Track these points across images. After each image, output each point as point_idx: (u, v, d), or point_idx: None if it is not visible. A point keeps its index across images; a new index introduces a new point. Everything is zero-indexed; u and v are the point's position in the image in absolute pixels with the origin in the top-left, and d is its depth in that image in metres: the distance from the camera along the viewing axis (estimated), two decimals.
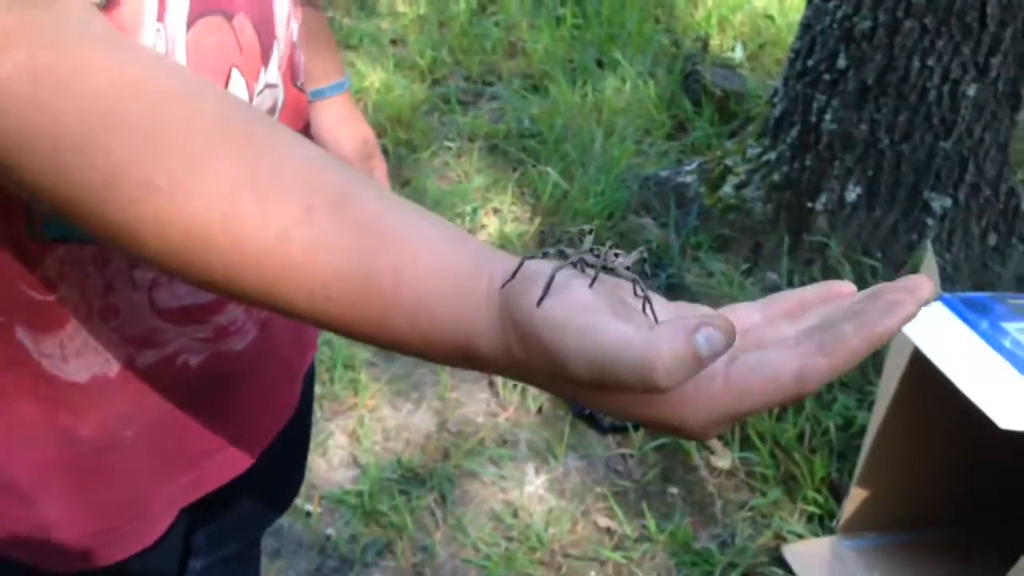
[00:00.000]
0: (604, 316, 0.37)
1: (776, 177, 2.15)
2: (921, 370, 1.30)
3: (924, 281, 0.40)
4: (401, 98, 2.76)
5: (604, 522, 1.63)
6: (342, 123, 0.90)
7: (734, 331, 0.36)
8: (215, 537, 0.74)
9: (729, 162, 2.28)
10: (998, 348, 1.25)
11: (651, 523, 1.59)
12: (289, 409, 0.71)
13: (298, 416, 0.73)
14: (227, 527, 0.75)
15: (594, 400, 0.40)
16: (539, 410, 1.83)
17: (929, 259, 1.46)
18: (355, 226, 0.41)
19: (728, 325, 0.36)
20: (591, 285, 0.40)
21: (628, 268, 0.42)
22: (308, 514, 1.61)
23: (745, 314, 0.44)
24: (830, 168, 2.06)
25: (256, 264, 0.40)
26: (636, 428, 1.77)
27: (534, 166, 2.46)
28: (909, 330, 1.30)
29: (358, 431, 1.77)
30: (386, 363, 1.90)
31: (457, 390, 1.87)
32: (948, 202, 2.02)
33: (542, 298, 0.38)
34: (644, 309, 0.41)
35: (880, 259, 2.01)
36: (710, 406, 0.38)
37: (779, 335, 0.42)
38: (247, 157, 0.40)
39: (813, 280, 2.03)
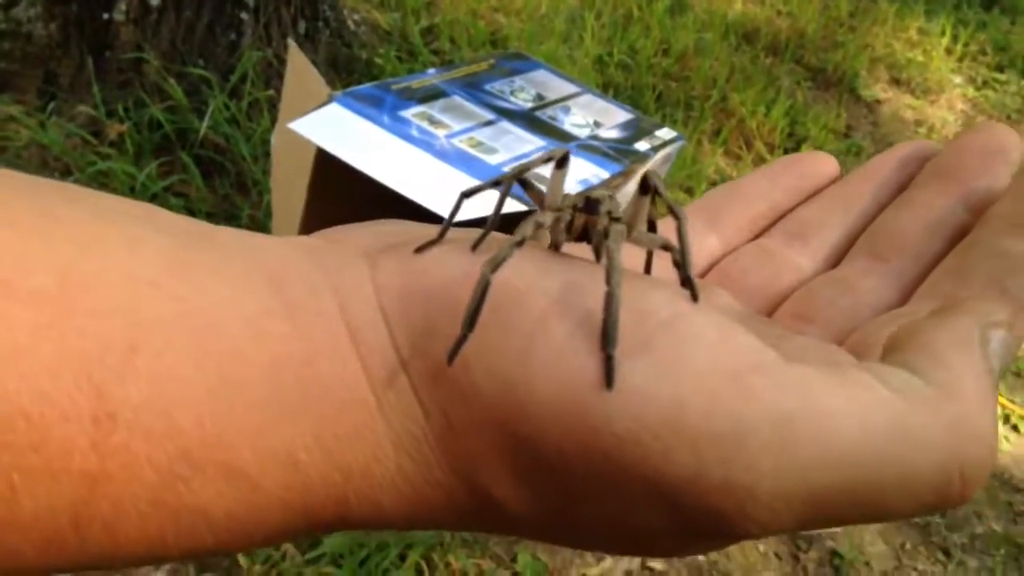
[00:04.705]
0: (811, 382, 0.18)
1: None
2: (328, 173, 1.16)
3: (996, 127, 0.26)
4: None
5: None
6: None
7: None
8: None
9: None
10: (407, 138, 1.17)
11: None
12: None
13: None
14: None
15: (686, 546, 0.20)
16: None
17: (298, 58, 1.29)
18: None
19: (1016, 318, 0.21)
20: (695, 298, 0.20)
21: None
22: None
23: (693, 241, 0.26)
24: None
25: None
26: None
27: None
28: (311, 134, 1.16)
29: None
30: None
31: None
32: None
33: (611, 369, 0.17)
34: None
35: (204, 66, 1.78)
36: None
37: (797, 267, 0.26)
38: None
39: (142, 104, 1.72)
